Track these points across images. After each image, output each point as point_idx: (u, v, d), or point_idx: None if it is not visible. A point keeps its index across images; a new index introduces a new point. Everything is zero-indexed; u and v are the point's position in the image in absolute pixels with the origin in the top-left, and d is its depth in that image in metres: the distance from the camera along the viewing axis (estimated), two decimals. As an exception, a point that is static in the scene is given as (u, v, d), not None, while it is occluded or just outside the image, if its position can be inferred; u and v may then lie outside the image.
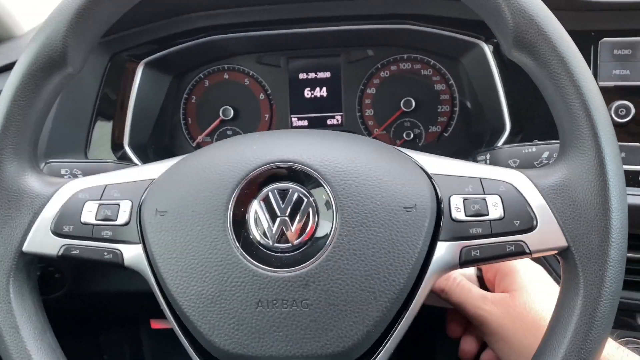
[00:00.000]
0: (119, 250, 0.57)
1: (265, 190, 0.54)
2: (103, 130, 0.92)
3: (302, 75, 1.04)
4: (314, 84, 1.04)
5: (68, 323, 0.80)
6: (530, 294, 0.66)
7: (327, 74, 1.04)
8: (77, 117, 0.90)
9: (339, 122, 1.04)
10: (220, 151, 0.58)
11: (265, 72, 1.05)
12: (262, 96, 1.05)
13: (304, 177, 0.54)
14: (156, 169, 0.61)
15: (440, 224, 0.54)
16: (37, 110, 0.58)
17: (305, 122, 1.05)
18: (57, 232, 0.57)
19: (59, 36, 0.56)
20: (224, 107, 1.04)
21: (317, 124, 1.05)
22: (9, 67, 0.90)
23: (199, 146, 1.06)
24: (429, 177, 0.56)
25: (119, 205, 0.58)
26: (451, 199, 0.54)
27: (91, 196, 0.58)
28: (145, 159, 0.94)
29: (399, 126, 1.03)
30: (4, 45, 1.04)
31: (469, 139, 0.99)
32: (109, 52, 0.91)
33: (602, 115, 0.50)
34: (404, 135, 1.02)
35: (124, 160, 0.93)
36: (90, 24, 0.57)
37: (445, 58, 1.00)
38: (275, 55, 1.04)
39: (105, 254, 0.57)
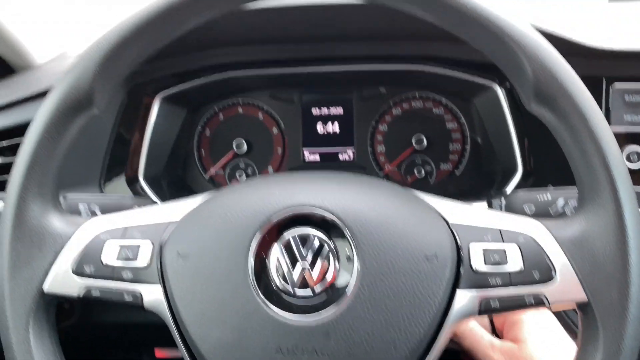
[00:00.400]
0: (139, 292, 0.57)
1: (286, 235, 0.55)
2: (118, 162, 0.93)
3: (315, 110, 1.06)
4: (326, 119, 1.06)
5: (75, 352, 0.79)
6: (538, 346, 0.66)
7: (340, 110, 1.05)
8: (93, 149, 0.91)
9: (351, 157, 1.05)
10: (241, 195, 0.59)
11: (278, 107, 1.06)
12: (275, 130, 1.07)
13: (325, 223, 0.55)
14: (177, 210, 0.61)
15: (460, 273, 0.54)
16: (61, 150, 0.59)
17: (317, 157, 1.06)
18: (78, 273, 0.57)
19: (87, 78, 0.57)
20: (237, 140, 1.05)
21: (329, 158, 1.06)
22: (28, 99, 0.91)
23: (211, 179, 1.07)
24: (448, 225, 0.57)
25: (139, 246, 0.58)
26: (471, 247, 0.55)
27: (112, 236, 0.59)
28: (159, 191, 0.95)
29: (410, 163, 1.04)
30: (23, 75, 1.06)
31: (481, 178, 1.00)
32: (124, 86, 0.92)
33: (621, 172, 0.51)
34: (415, 172, 1.03)
35: (139, 193, 0.93)
36: (117, 67, 0.58)
37: (457, 98, 1.02)
38: (289, 91, 1.05)
39: (126, 295, 0.57)
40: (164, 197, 0.94)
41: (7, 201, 0.57)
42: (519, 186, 0.87)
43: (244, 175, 1.06)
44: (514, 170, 0.89)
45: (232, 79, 0.98)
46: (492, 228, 0.56)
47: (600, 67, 0.84)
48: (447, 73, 0.93)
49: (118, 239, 0.59)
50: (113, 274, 0.57)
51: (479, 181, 1.00)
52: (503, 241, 0.55)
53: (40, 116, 0.57)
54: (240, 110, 1.07)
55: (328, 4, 0.83)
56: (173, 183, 1.01)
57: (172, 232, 0.59)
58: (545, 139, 0.84)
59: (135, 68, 0.61)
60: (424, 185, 1.03)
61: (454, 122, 1.03)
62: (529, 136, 0.87)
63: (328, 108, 1.05)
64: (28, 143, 0.57)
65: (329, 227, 0.54)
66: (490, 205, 0.73)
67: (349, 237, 0.53)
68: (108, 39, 0.57)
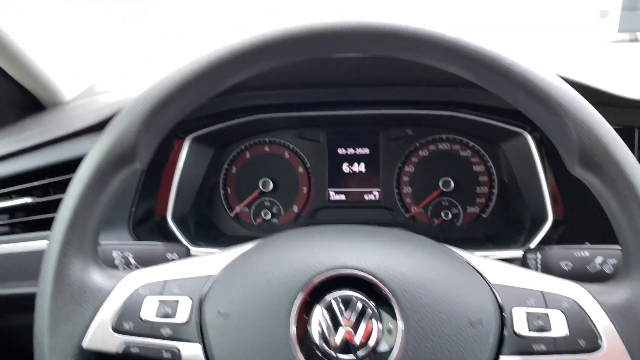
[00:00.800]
0: (177, 349, 0.57)
1: (328, 297, 0.54)
2: (146, 203, 0.93)
3: (341, 150, 1.06)
4: (352, 159, 1.06)
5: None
6: None
7: (366, 150, 1.05)
8: (123, 192, 0.91)
9: (377, 197, 1.05)
10: (281, 252, 0.59)
11: (305, 146, 1.06)
12: (301, 169, 1.07)
13: (368, 286, 0.54)
14: (215, 263, 0.61)
15: (503, 338, 0.53)
16: (102, 205, 0.59)
17: (343, 197, 1.06)
18: (118, 329, 0.57)
19: (131, 134, 0.57)
20: (263, 179, 1.06)
21: (354, 198, 1.06)
22: (59, 140, 0.92)
23: (237, 217, 1.07)
24: (490, 285, 0.57)
25: (178, 301, 0.58)
26: (514, 312, 0.54)
27: (151, 291, 0.59)
28: (186, 231, 0.95)
29: (437, 205, 1.04)
30: (53, 112, 1.07)
31: (508, 222, 0.99)
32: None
33: None
34: (442, 214, 1.03)
35: (166, 233, 0.93)
36: (161, 121, 0.59)
37: (484, 141, 1.02)
38: (316, 130, 1.06)
39: (164, 352, 0.57)
40: (191, 237, 0.94)
41: (48, 257, 0.57)
42: (548, 235, 0.87)
43: (269, 214, 1.06)
44: (543, 218, 0.88)
45: (261, 119, 0.98)
46: (534, 290, 0.56)
47: (631, 116, 0.84)
48: (475, 118, 0.93)
49: (157, 294, 0.58)
50: (152, 330, 0.57)
51: (506, 225, 0.99)
52: (547, 306, 0.54)
53: (83, 171, 0.58)
54: (266, 148, 1.07)
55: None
56: (200, 222, 1.01)
57: (211, 287, 0.58)
58: (576, 188, 0.84)
59: (177, 121, 0.61)
60: (450, 227, 1.03)
61: (481, 164, 1.03)
62: (559, 185, 0.87)
63: (354, 148, 1.06)
64: (70, 198, 0.57)
65: (372, 290, 0.54)
66: (525, 259, 0.73)
67: (392, 301, 0.53)
68: (153, 95, 0.57)
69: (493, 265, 0.59)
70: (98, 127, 0.90)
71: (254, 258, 0.60)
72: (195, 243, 0.92)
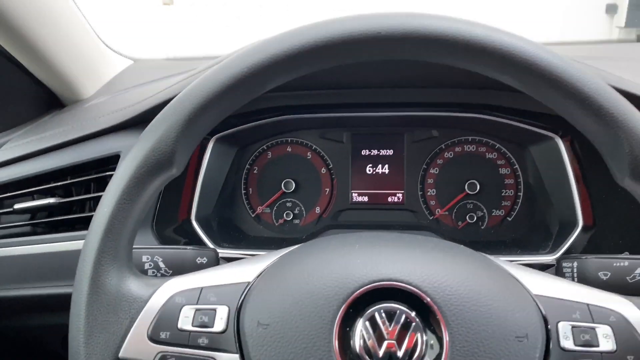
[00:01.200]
0: (214, 359, 0.56)
1: (371, 309, 0.53)
2: (169, 204, 0.92)
3: (364, 152, 1.05)
4: (376, 160, 1.04)
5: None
6: None
7: (390, 152, 1.04)
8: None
9: (400, 199, 1.04)
10: (322, 262, 0.58)
11: (328, 146, 1.05)
12: (323, 170, 1.06)
13: (412, 298, 0.53)
14: (251, 270, 0.60)
15: (549, 353, 0.53)
16: (138, 212, 0.58)
17: (366, 198, 1.05)
18: (154, 339, 0.56)
19: (169, 141, 0.56)
20: (285, 179, 1.05)
21: (377, 200, 1.05)
22: (81, 140, 0.91)
23: (258, 217, 1.06)
24: (533, 298, 0.56)
25: (215, 310, 0.57)
26: (559, 325, 0.54)
27: (188, 300, 0.58)
28: (210, 231, 0.94)
29: (461, 208, 1.03)
30: (74, 110, 1.05)
31: (533, 227, 0.98)
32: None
33: None
34: (467, 217, 1.02)
35: (190, 234, 0.92)
36: (198, 127, 0.58)
37: (511, 143, 1.00)
38: (339, 131, 1.05)
39: None
40: (215, 238, 0.93)
41: (82, 265, 0.56)
42: (577, 240, 0.85)
43: (291, 215, 1.05)
44: (573, 224, 0.87)
45: (285, 120, 0.97)
46: (580, 302, 0.55)
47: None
48: (503, 121, 0.91)
49: (193, 303, 0.58)
50: (189, 340, 0.56)
51: (532, 230, 0.98)
52: (593, 320, 0.53)
53: (119, 178, 0.57)
54: (289, 149, 1.06)
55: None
56: (222, 223, 1.00)
57: (249, 295, 0.58)
58: (607, 194, 0.83)
59: (214, 126, 0.60)
60: (475, 231, 1.02)
61: (507, 167, 1.01)
62: (590, 190, 0.85)
63: (378, 149, 1.04)
64: (105, 206, 0.56)
65: (416, 302, 0.53)
66: (560, 267, 0.72)
67: (438, 314, 0.52)
68: (191, 100, 0.56)
69: (533, 275, 0.59)
70: (122, 127, 0.89)
71: (292, 266, 0.59)
72: (219, 244, 0.91)
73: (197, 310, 0.57)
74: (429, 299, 0.53)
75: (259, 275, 0.60)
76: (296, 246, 0.63)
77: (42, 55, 0.98)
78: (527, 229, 0.99)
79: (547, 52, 0.51)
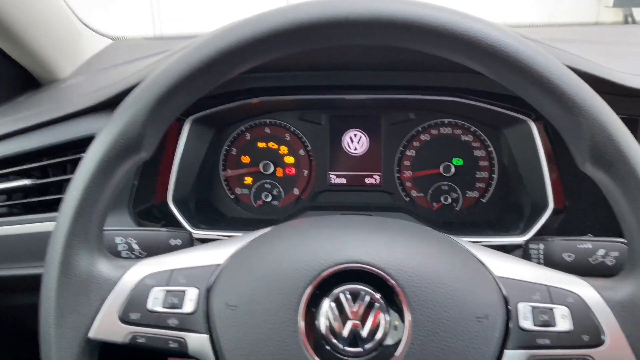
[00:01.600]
0: (183, 338, 0.57)
1: (336, 291, 0.55)
2: (146, 186, 0.92)
3: (342, 134, 1.05)
4: (354, 142, 1.05)
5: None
6: None
7: (368, 134, 1.05)
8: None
9: (377, 181, 1.05)
10: (290, 244, 0.59)
11: (306, 128, 1.05)
12: (302, 152, 1.06)
13: (376, 280, 0.55)
14: (222, 252, 0.61)
15: (508, 333, 0.54)
16: (108, 195, 0.58)
17: (344, 180, 1.06)
18: (124, 320, 0.57)
19: (137, 124, 0.56)
20: (264, 161, 1.05)
21: (355, 182, 1.05)
22: (58, 121, 0.90)
23: (237, 199, 1.07)
24: (495, 280, 0.57)
25: (185, 292, 0.58)
26: (519, 306, 0.55)
27: (158, 282, 0.59)
28: (187, 213, 0.95)
29: (436, 189, 1.04)
30: (50, 90, 1.04)
31: (507, 209, 1.00)
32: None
33: None
34: (442, 199, 1.03)
35: (168, 216, 0.93)
36: (167, 110, 0.58)
37: (486, 126, 1.01)
38: (317, 113, 1.05)
39: (171, 342, 0.57)
40: (192, 220, 0.94)
41: (53, 247, 0.56)
42: (548, 223, 0.87)
43: (269, 197, 1.06)
44: (544, 206, 0.88)
45: (262, 101, 0.97)
46: (540, 284, 0.57)
47: (636, 106, 0.84)
48: (477, 104, 0.92)
49: (163, 285, 0.59)
50: (159, 321, 0.57)
51: (505, 212, 1.00)
52: (552, 301, 0.55)
53: (87, 161, 0.57)
54: (267, 130, 1.06)
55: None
56: (200, 205, 1.01)
57: (218, 277, 0.59)
58: (578, 178, 0.85)
59: (184, 109, 0.60)
60: (450, 212, 1.03)
61: (482, 149, 1.03)
62: (561, 174, 0.87)
63: (356, 131, 1.05)
64: (75, 189, 0.57)
65: (380, 283, 0.55)
66: (527, 250, 0.74)
67: (400, 295, 0.53)
68: (160, 83, 0.56)
69: (497, 258, 0.60)
70: (98, 108, 0.89)
71: (262, 248, 0.60)
72: (196, 226, 0.92)
73: (167, 291, 0.58)
74: (392, 281, 0.54)
75: (229, 258, 0.60)
76: (267, 229, 0.64)
77: (13, 33, 0.96)
78: (500, 211, 1.01)
79: (509, 36, 0.52)
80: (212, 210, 1.04)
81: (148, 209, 0.93)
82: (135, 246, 0.74)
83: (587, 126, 0.52)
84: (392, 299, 0.54)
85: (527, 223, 0.90)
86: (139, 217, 0.91)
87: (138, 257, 0.74)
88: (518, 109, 0.89)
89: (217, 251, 0.62)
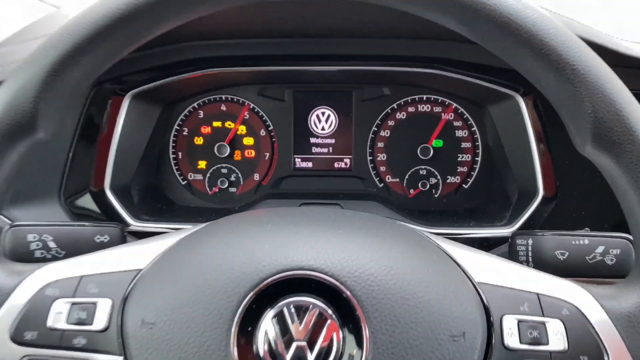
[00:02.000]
0: None
1: (279, 304, 0.44)
2: (80, 171, 0.80)
3: (308, 111, 0.94)
4: (321, 122, 0.94)
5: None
6: None
7: (337, 112, 0.94)
8: (51, 157, 0.78)
9: (348, 165, 0.95)
10: (223, 247, 0.48)
11: (267, 105, 0.94)
12: (262, 132, 0.95)
13: (327, 290, 0.44)
14: (144, 254, 0.51)
15: (490, 353, 0.44)
16: None
17: (310, 164, 0.95)
18: (17, 340, 0.46)
19: (29, 97, 0.45)
20: (219, 143, 0.93)
21: (323, 166, 0.95)
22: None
23: (189, 185, 0.95)
24: (475, 287, 0.47)
25: (96, 304, 0.47)
26: (504, 320, 0.46)
27: (62, 292, 0.48)
28: (128, 202, 0.83)
29: (413, 174, 0.94)
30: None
31: (491, 196, 0.90)
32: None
33: None
34: (420, 185, 0.93)
35: (105, 205, 0.81)
36: (68, 81, 0.47)
37: (469, 102, 0.90)
38: (280, 88, 0.93)
39: None
40: (133, 209, 0.82)
41: None
42: (537, 211, 0.78)
43: (226, 183, 0.95)
44: (533, 194, 0.79)
45: (215, 74, 0.85)
46: (529, 292, 0.47)
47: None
48: (459, 77, 0.81)
49: (69, 296, 0.47)
50: (62, 341, 0.46)
51: (489, 199, 0.90)
52: (543, 313, 0.46)
53: None
54: (223, 107, 0.95)
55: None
56: (146, 192, 0.89)
57: (136, 286, 0.48)
58: (572, 162, 0.74)
59: (93, 80, 0.49)
60: (428, 199, 0.93)
61: (464, 129, 0.92)
62: (553, 156, 0.76)
63: (324, 109, 0.94)
64: None
65: (333, 295, 0.44)
66: (514, 246, 0.63)
67: (357, 310, 0.43)
68: (56, 46, 0.45)
69: (478, 259, 0.51)
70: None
71: (190, 251, 0.49)
72: (138, 217, 0.81)
73: (73, 304, 0.48)
74: (347, 292, 0.43)
75: (152, 262, 0.49)
76: (200, 226, 0.53)
77: None
78: (483, 199, 0.91)
79: None
80: (160, 198, 0.92)
81: (83, 199, 0.81)
82: (52, 244, 0.62)
83: (588, 98, 0.42)
84: (347, 314, 0.44)
85: (513, 212, 0.81)
86: (72, 208, 0.79)
87: (56, 258, 0.63)
88: (504, 83, 0.79)
89: (140, 252, 0.51)
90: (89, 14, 0.46)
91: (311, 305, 0.44)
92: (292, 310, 0.44)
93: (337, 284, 0.44)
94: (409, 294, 0.44)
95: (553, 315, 0.45)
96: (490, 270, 0.49)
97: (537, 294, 0.47)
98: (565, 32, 0.43)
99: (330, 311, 0.43)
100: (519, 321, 0.46)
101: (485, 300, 0.46)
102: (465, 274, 0.48)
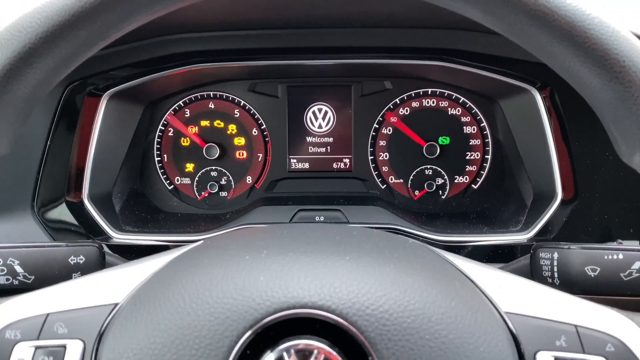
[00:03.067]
0: None
1: (278, 348, 0.37)
2: (56, 179, 0.73)
3: (304, 108, 0.87)
4: (318, 119, 0.87)
5: None
6: None
7: (335, 108, 0.87)
8: (21, 165, 0.71)
9: (347, 166, 0.88)
10: (210, 280, 0.41)
11: (259, 102, 0.88)
12: (255, 131, 0.88)
13: (334, 331, 0.37)
14: (120, 287, 0.44)
15: None
16: None
17: (307, 165, 0.88)
18: None
19: None
20: (208, 143, 0.86)
21: (320, 167, 0.88)
22: None
23: (176, 190, 0.88)
24: (503, 318, 0.41)
25: (65, 347, 0.41)
26: (538, 357, 0.39)
27: (24, 334, 0.41)
28: (108, 212, 0.76)
29: (418, 174, 0.87)
30: None
31: (504, 198, 0.84)
32: (63, 81, 0.71)
33: None
34: (425, 186, 0.87)
35: (83, 216, 0.74)
36: (18, 92, 0.40)
37: (478, 97, 0.84)
38: (273, 84, 0.87)
39: None
40: (114, 220, 0.75)
41: None
42: (555, 215, 0.71)
43: (216, 187, 0.88)
44: (550, 195, 0.72)
45: (201, 70, 0.77)
46: (565, 323, 0.40)
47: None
48: (469, 70, 0.74)
49: (33, 339, 0.41)
50: None
51: (501, 201, 0.84)
52: (583, 350, 0.39)
53: None
54: (211, 105, 0.88)
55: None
56: (128, 200, 0.82)
57: (111, 325, 0.41)
58: (594, 159, 0.68)
59: (53, 85, 0.41)
60: (435, 201, 0.87)
61: (473, 125, 0.86)
62: (572, 155, 0.70)
63: (320, 105, 0.87)
64: None
65: (340, 336, 0.37)
66: (536, 259, 0.57)
67: (373, 355, 0.36)
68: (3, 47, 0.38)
69: (503, 282, 0.44)
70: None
71: (173, 282, 0.42)
72: (120, 228, 0.74)
73: (37, 347, 0.41)
74: (359, 334, 0.37)
75: (130, 296, 0.43)
76: (185, 249, 0.46)
77: None
78: (495, 201, 0.85)
79: None
80: (144, 205, 0.85)
81: (60, 211, 0.74)
82: (19, 269, 0.56)
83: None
84: (357, 359, 0.37)
85: (529, 216, 0.75)
86: (45, 220, 0.72)
87: (23, 283, 0.56)
88: (519, 75, 0.72)
89: (116, 282, 0.44)
90: (44, 9, 0.39)
91: (316, 350, 0.37)
92: (294, 356, 0.37)
93: (346, 324, 0.37)
94: (430, 334, 0.38)
95: (595, 352, 0.39)
96: (519, 296, 0.43)
97: (576, 326, 0.41)
98: (611, 23, 0.37)
99: (337, 354, 0.37)
100: (556, 358, 0.40)
101: (516, 334, 0.40)
102: (492, 302, 0.42)
